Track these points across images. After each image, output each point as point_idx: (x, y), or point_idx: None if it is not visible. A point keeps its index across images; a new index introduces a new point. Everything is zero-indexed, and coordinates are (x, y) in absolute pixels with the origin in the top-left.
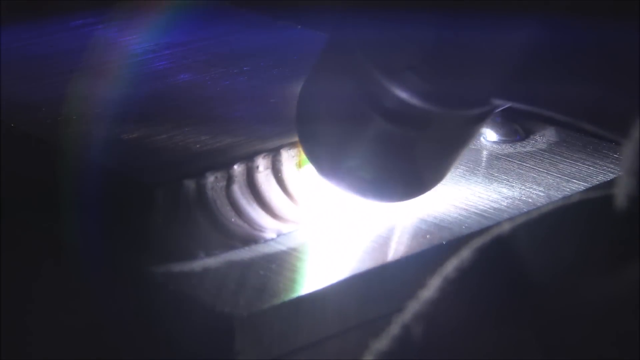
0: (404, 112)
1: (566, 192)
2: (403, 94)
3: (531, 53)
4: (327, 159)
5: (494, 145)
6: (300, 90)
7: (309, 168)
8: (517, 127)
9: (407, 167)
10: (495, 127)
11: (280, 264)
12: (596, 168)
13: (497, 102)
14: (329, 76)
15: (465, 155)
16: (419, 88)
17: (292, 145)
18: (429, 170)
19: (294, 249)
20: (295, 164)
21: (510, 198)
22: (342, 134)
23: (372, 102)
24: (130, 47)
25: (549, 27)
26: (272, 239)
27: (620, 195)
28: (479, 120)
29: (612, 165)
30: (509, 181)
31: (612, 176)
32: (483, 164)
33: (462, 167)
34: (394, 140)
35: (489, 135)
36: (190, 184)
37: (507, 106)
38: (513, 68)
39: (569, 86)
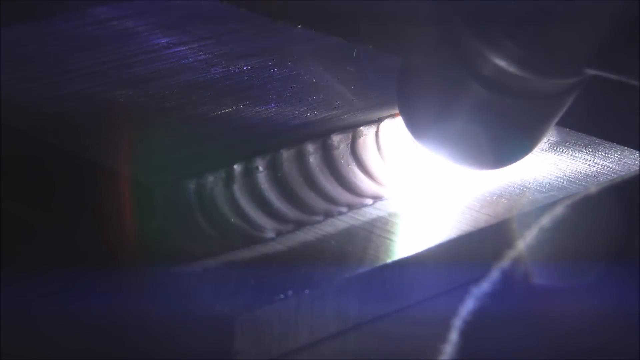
0: (501, 80)
1: (567, 192)
2: (501, 62)
3: (626, 23)
4: (425, 127)
5: None
6: (401, 60)
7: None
8: None
9: (502, 135)
10: None
11: (280, 264)
12: (597, 168)
13: (590, 71)
14: (428, 45)
15: None
16: (516, 56)
17: (290, 144)
18: (523, 138)
19: (294, 248)
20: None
21: (511, 198)
22: (441, 101)
23: (470, 69)
24: (129, 47)
25: None
26: (272, 239)
27: None
28: (571, 90)
29: (612, 165)
30: (509, 181)
31: (612, 176)
32: None
33: None
34: (491, 107)
35: None
36: (190, 184)
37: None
38: (607, 38)
39: None
